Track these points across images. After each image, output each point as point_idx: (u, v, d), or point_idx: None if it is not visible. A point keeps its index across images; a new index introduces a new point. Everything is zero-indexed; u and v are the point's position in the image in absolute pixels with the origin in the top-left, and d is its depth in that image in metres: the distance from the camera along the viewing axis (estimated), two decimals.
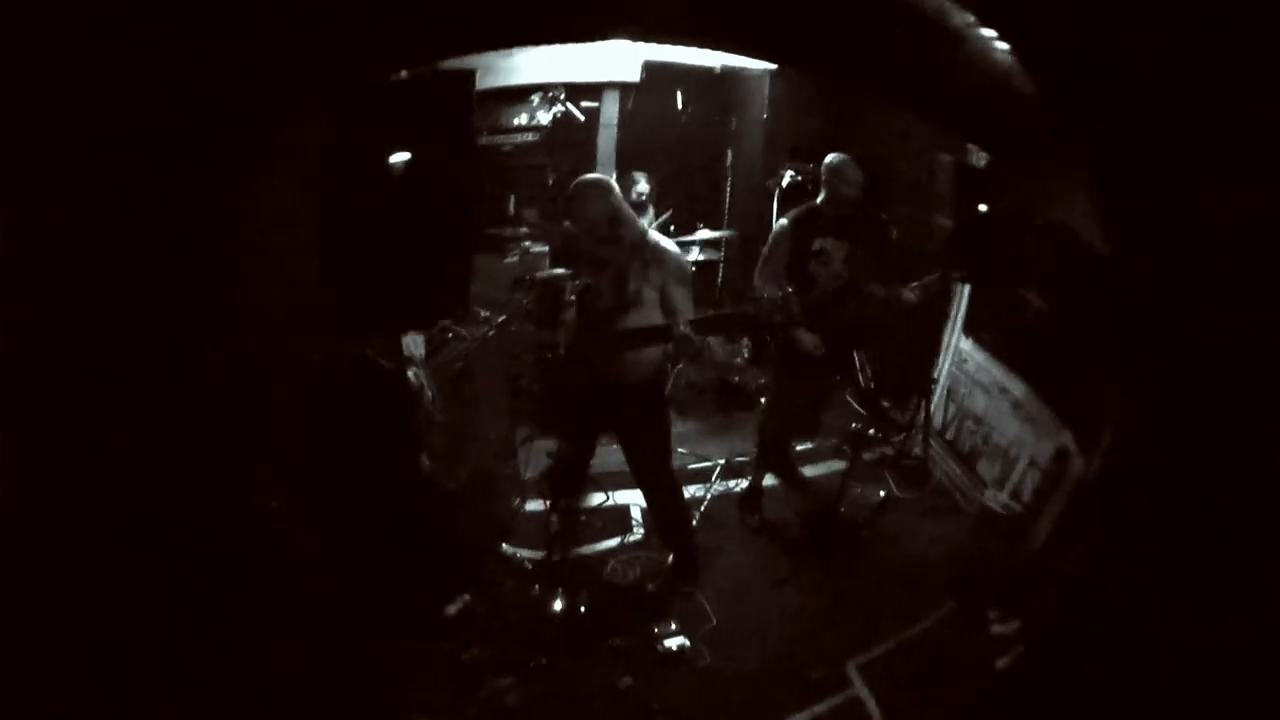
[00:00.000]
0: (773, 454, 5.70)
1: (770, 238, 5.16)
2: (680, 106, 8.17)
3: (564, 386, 4.73)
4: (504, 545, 5.23)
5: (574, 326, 4.51)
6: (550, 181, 7.25)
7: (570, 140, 7.39)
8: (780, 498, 5.75)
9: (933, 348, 6.25)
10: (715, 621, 4.62)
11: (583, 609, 4.70)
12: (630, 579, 5.01)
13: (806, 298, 5.02)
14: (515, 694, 4.09)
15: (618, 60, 7.29)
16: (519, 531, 5.35)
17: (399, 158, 4.04)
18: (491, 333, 5.33)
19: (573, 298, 4.50)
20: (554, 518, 4.92)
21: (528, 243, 6.89)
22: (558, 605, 4.68)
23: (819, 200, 5.06)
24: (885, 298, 5.09)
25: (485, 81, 6.72)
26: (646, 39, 5.96)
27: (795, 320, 4.85)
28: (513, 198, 7.13)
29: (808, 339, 4.99)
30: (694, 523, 5.32)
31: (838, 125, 7.39)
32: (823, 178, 5.08)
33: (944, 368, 6.16)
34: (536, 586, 4.80)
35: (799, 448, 6.21)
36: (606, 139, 7.60)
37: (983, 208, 5.24)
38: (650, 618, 4.66)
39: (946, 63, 3.31)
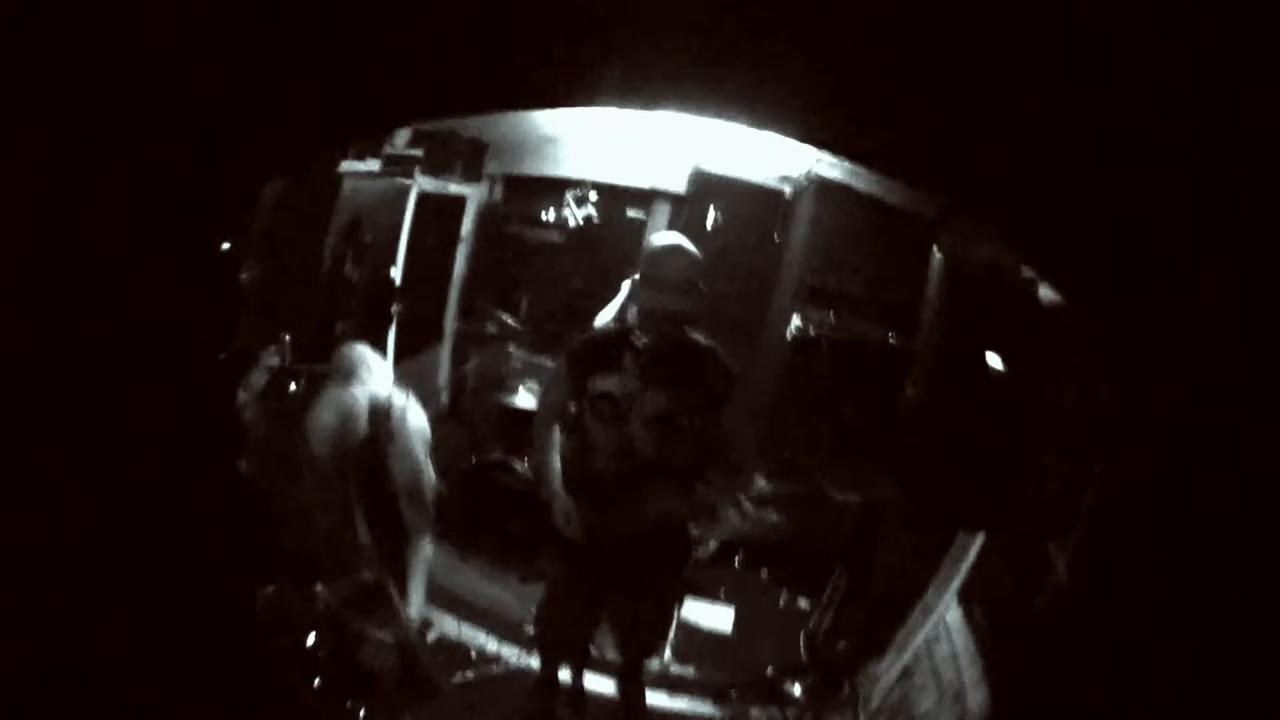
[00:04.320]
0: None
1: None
2: (722, 221, 6.62)
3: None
4: None
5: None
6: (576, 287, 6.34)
7: (605, 247, 6.43)
8: None
9: (902, 606, 4.48)
10: None
11: None
12: None
13: (574, 466, 3.59)
14: None
15: (669, 167, 6.29)
16: None
17: None
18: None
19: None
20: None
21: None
22: None
23: (623, 316, 3.61)
24: (686, 508, 3.52)
25: (519, 167, 6.22)
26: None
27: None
28: (525, 299, 6.32)
29: (560, 506, 3.55)
30: None
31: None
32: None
33: (915, 638, 4.37)
34: None
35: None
36: None
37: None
38: None
39: None
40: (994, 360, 4.04)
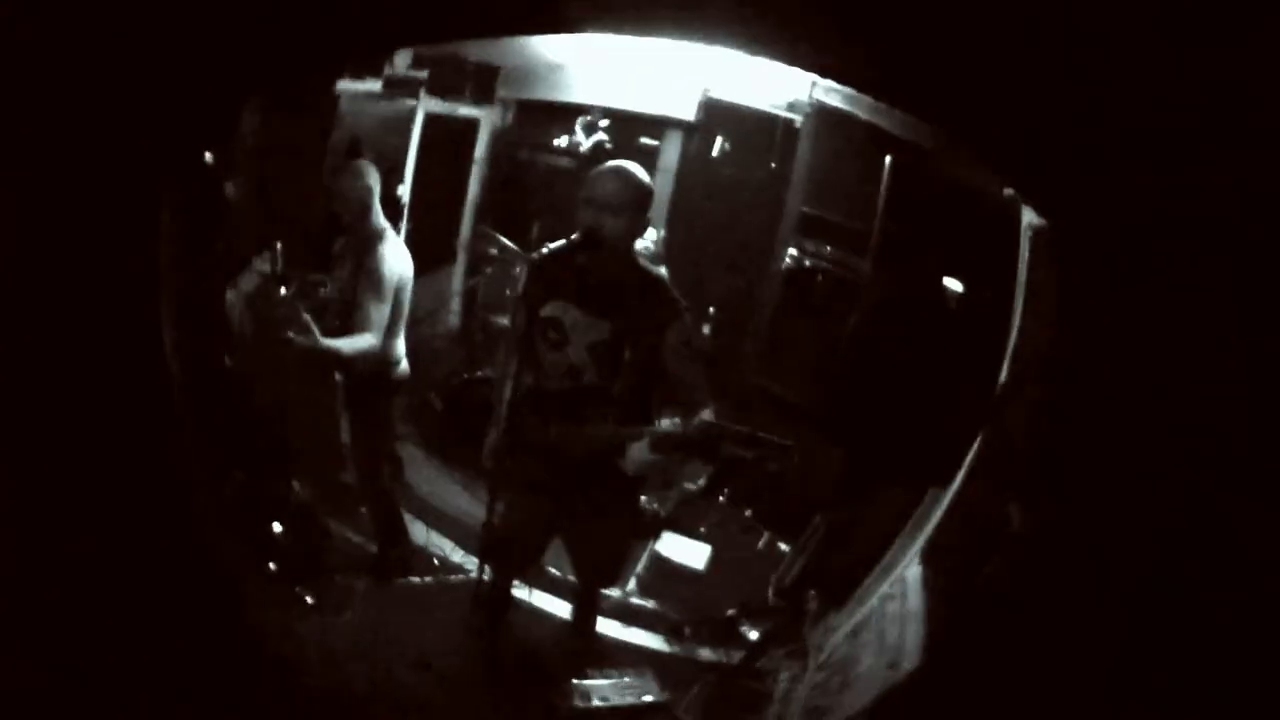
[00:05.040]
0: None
1: None
2: (729, 149, 6.51)
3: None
4: None
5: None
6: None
7: None
8: None
9: (870, 561, 4.26)
10: None
11: None
12: None
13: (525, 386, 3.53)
14: None
15: (681, 94, 6.19)
16: None
17: None
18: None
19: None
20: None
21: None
22: None
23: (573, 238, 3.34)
24: (607, 434, 3.39)
25: (531, 91, 6.16)
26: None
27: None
28: (536, 224, 6.19)
29: (496, 423, 3.63)
30: None
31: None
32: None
33: (873, 594, 4.16)
34: None
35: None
36: (663, 185, 6.38)
37: None
38: None
39: None
40: (954, 285, 3.87)
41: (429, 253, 5.63)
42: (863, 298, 5.01)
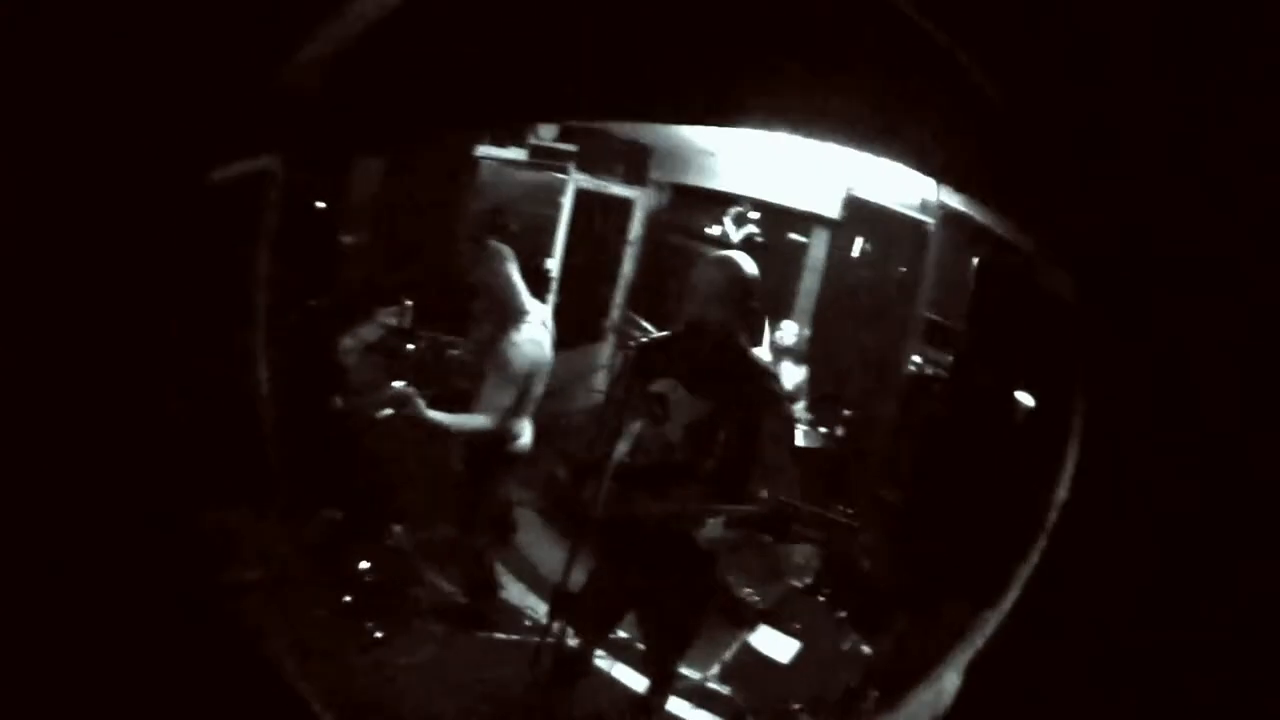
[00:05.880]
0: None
1: None
2: (870, 249, 6.39)
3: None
4: None
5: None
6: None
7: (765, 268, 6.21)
8: None
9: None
10: None
11: None
12: None
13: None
14: None
15: (828, 191, 6.15)
16: None
17: None
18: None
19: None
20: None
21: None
22: None
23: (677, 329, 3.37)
24: (684, 509, 3.34)
25: (684, 176, 6.28)
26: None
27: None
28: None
29: (590, 487, 3.46)
30: None
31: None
32: None
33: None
34: None
35: None
36: (811, 283, 6.34)
37: None
38: None
39: None
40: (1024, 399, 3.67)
41: (576, 328, 5.77)
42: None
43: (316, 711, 2.98)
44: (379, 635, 4.46)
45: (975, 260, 4.51)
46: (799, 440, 5.96)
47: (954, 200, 5.39)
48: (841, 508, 3.34)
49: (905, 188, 5.92)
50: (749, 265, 3.36)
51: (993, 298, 4.27)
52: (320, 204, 4.18)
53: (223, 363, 3.68)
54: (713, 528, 3.24)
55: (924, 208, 5.87)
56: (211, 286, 3.20)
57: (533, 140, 5.77)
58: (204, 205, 2.84)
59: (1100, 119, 2.22)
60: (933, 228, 5.83)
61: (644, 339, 3.44)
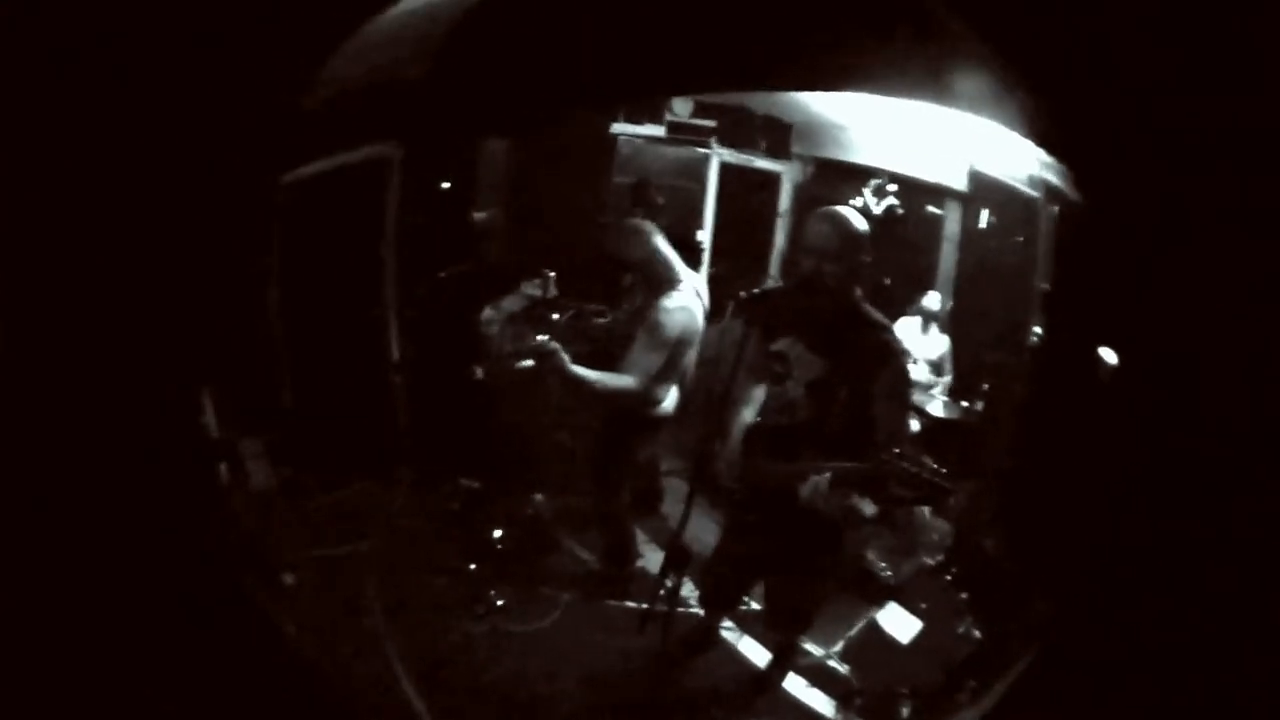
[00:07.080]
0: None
1: None
2: (993, 223, 6.14)
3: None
4: None
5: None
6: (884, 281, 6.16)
7: (903, 244, 6.22)
8: None
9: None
10: None
11: None
12: None
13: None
14: None
15: (957, 164, 5.98)
16: None
17: None
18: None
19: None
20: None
21: None
22: None
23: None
24: (794, 469, 3.40)
25: (823, 150, 6.25)
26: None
27: None
28: None
29: (725, 455, 3.68)
30: None
31: None
32: None
33: None
34: None
35: None
36: (950, 254, 6.20)
37: None
38: None
39: None
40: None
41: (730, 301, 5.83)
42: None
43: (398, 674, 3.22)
44: (500, 603, 4.63)
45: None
46: (938, 412, 5.96)
47: (1054, 174, 5.23)
48: (936, 467, 3.32)
49: (1015, 160, 5.73)
50: (859, 220, 3.42)
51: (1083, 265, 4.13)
52: (445, 184, 4.36)
53: (357, 338, 3.87)
54: (811, 485, 3.29)
55: (1031, 181, 5.69)
56: (342, 265, 3.43)
57: (669, 117, 5.84)
58: (327, 189, 3.09)
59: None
60: (1040, 200, 5.62)
61: (746, 292, 3.47)
